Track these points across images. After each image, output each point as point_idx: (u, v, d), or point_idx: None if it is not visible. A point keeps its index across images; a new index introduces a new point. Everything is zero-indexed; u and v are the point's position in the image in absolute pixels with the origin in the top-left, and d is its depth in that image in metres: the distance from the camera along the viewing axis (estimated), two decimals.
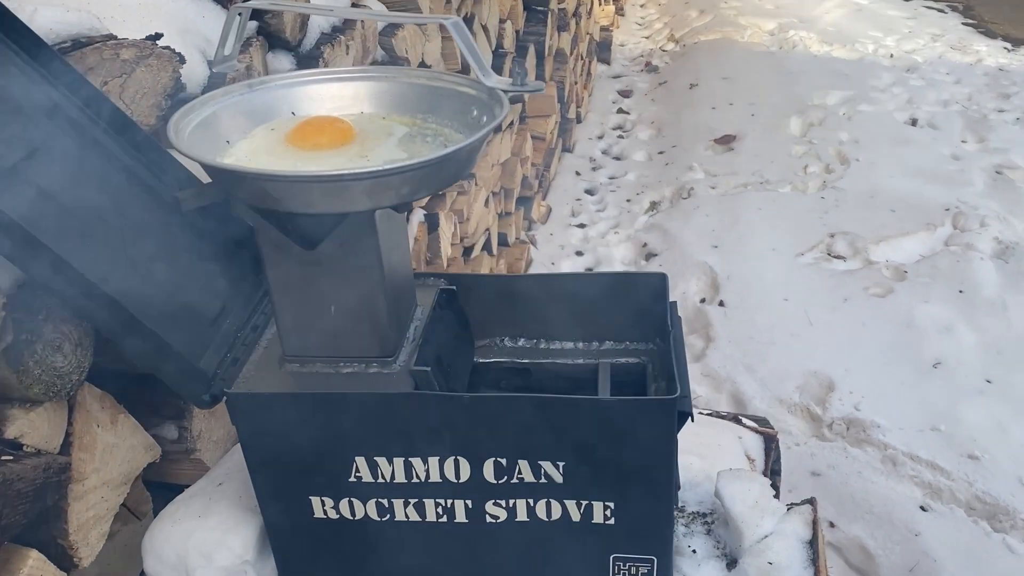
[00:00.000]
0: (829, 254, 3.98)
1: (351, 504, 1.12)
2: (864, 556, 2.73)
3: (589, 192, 4.72)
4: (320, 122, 1.04)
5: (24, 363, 1.06)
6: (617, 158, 5.07)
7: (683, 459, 1.37)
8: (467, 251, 3.15)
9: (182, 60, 1.27)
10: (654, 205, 4.48)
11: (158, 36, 1.25)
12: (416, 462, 1.08)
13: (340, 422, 1.06)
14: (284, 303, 1.06)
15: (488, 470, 1.07)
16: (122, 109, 1.24)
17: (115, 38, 1.22)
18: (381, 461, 1.08)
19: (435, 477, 1.08)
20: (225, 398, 1.05)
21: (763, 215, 4.21)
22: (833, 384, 3.26)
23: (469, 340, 1.24)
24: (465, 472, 1.08)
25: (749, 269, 3.86)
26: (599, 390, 1.19)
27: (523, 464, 1.07)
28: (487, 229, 3.48)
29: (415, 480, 1.09)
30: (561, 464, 1.06)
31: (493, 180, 3.43)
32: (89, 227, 1.04)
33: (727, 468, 1.48)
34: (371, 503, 1.12)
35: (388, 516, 1.12)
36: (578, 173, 4.89)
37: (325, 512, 1.13)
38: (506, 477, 1.08)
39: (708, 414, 1.84)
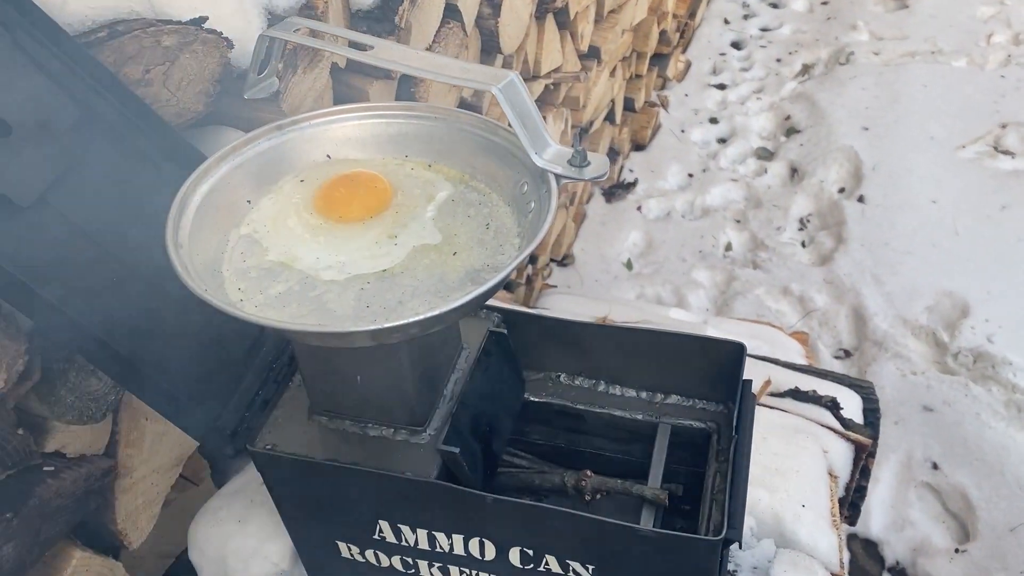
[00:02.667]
0: (996, 149, 3.53)
1: (376, 555, 1.09)
2: (964, 505, 2.59)
3: (736, 45, 4.30)
4: (352, 185, 0.91)
5: (56, 393, 1.05)
6: (774, 5, 4.55)
7: (750, 493, 1.27)
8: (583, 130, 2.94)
9: (230, 45, 1.14)
10: (806, 69, 4.05)
11: (203, 20, 1.11)
12: (440, 536, 1.03)
13: (363, 490, 1.01)
14: (309, 368, 0.98)
15: (514, 556, 1.01)
16: (167, 97, 1.14)
17: (155, 24, 1.09)
18: (405, 529, 1.04)
19: (459, 551, 1.03)
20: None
21: (927, 94, 3.74)
22: (968, 308, 2.98)
23: (518, 384, 1.14)
24: (490, 553, 1.02)
25: (899, 159, 3.48)
26: (652, 464, 1.08)
27: (551, 559, 1.00)
28: (611, 100, 3.24)
29: (439, 550, 1.04)
30: (591, 567, 0.98)
31: (622, 49, 3.14)
32: (102, 277, 0.98)
33: (800, 504, 1.38)
34: (396, 558, 1.08)
35: (413, 571, 1.09)
36: (727, 21, 4.43)
37: (352, 555, 1.11)
38: (533, 565, 1.01)
39: (800, 393, 1.71)
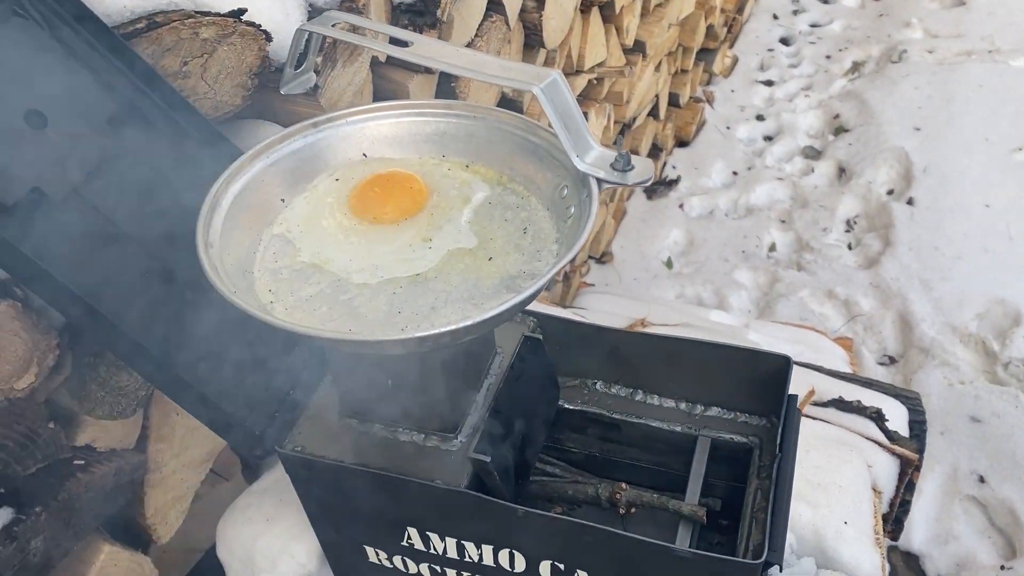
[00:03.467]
0: None
1: (404, 562, 1.07)
2: (1011, 520, 2.51)
3: (784, 41, 4.21)
4: (388, 185, 0.88)
5: (87, 387, 1.04)
6: (824, 0, 4.45)
7: (792, 507, 1.23)
8: (625, 126, 2.90)
9: (268, 38, 1.11)
10: (856, 67, 3.95)
11: (241, 12, 1.09)
12: (469, 546, 1.00)
13: (392, 496, 0.98)
14: (339, 371, 0.96)
15: (545, 569, 0.98)
16: (204, 90, 1.12)
17: (193, 15, 1.08)
18: (434, 536, 1.01)
19: (488, 562, 1.01)
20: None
21: (983, 94, 3.62)
22: (1021, 316, 2.88)
23: (552, 390, 1.11)
24: (520, 565, 0.99)
25: (952, 162, 3.38)
26: (690, 478, 1.05)
27: (582, 574, 0.97)
28: (655, 96, 3.19)
29: (468, 560, 1.02)
30: None
31: (668, 44, 3.08)
32: (133, 273, 0.97)
33: (843, 520, 1.33)
34: (424, 565, 1.06)
35: None
36: (775, 17, 4.34)
37: (379, 561, 1.09)
38: None
39: (845, 403, 1.65)
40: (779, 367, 1.02)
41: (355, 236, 0.86)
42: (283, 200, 0.90)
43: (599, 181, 0.81)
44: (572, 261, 2.85)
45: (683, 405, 1.12)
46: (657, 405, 1.13)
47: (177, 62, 1.10)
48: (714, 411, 1.11)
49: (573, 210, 0.83)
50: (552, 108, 0.80)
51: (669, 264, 3.17)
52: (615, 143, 0.79)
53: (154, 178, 1.04)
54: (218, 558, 1.26)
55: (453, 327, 0.70)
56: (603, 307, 2.21)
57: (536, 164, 0.90)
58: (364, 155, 0.94)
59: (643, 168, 0.81)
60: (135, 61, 1.01)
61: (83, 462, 1.10)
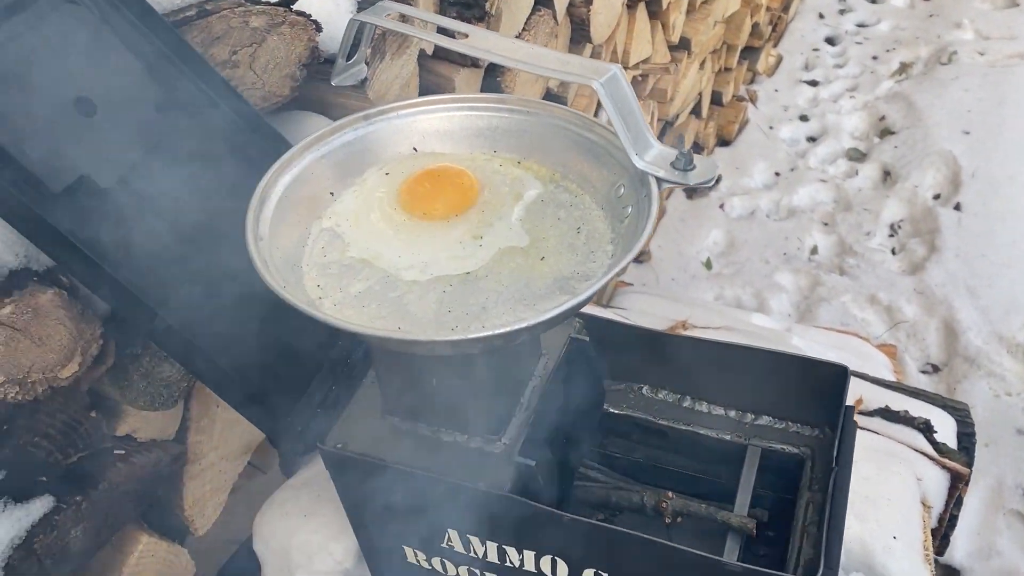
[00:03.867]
0: None
1: (443, 564, 1.05)
2: None
3: (830, 41, 4.14)
4: (438, 180, 0.86)
5: (129, 377, 1.03)
6: (872, 0, 4.37)
7: None
8: (668, 123, 2.86)
9: (318, 28, 1.10)
10: (904, 68, 3.87)
11: (292, 1, 1.08)
12: (511, 550, 0.98)
13: (433, 497, 0.97)
14: (384, 368, 0.95)
15: None
16: (253, 80, 1.11)
17: (244, 3, 1.06)
18: (474, 540, 0.99)
19: (530, 567, 0.99)
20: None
21: None
22: None
23: (598, 394, 1.09)
24: (562, 572, 0.97)
25: (1002, 166, 3.30)
26: (739, 488, 1.02)
27: None
28: (698, 93, 3.14)
29: (509, 565, 1.00)
30: None
31: (713, 41, 3.04)
32: (177, 263, 0.96)
33: (892, 535, 1.29)
34: (463, 568, 1.04)
35: None
36: (821, 16, 4.27)
37: (418, 561, 1.07)
38: None
39: (892, 413, 1.61)
40: (835, 377, 0.99)
41: (405, 232, 0.84)
42: (332, 193, 0.89)
43: (659, 180, 0.78)
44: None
45: (732, 413, 1.09)
46: (706, 412, 1.10)
47: (226, 51, 1.09)
48: (764, 420, 1.08)
49: (630, 210, 0.81)
50: (611, 103, 0.77)
51: (708, 265, 3.13)
52: (677, 143, 0.76)
53: (202, 167, 1.03)
54: (254, 551, 1.25)
55: (507, 329, 0.67)
56: (643, 307, 2.17)
57: (591, 161, 0.87)
58: (414, 149, 0.92)
59: (705, 168, 0.78)
60: (185, 49, 1.00)
61: (123, 452, 1.10)
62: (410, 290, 0.79)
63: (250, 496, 1.38)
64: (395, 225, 0.85)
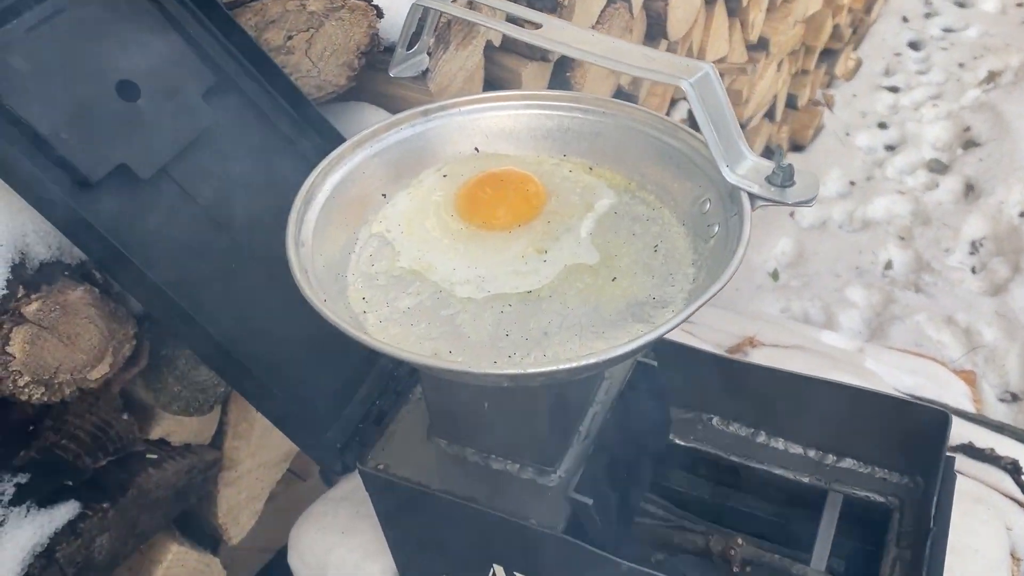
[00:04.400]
0: None
1: None
2: None
3: (913, 46, 3.95)
4: (501, 185, 0.78)
5: (163, 380, 0.97)
6: (960, 4, 4.16)
7: None
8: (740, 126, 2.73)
9: (379, 14, 1.03)
10: (992, 76, 3.67)
11: None
12: None
13: (479, 529, 0.89)
14: (432, 387, 0.87)
15: None
16: (308, 68, 1.04)
17: None
18: None
19: None
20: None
21: None
22: None
23: (664, 423, 1.00)
24: None
25: None
26: (818, 538, 0.92)
27: None
28: (774, 96, 3.01)
29: None
30: None
31: (792, 42, 2.90)
32: (217, 262, 0.89)
33: None
34: None
35: None
36: (905, 19, 4.08)
37: None
38: None
39: (975, 450, 1.48)
40: (935, 422, 0.88)
41: (461, 241, 0.76)
42: (384, 195, 0.81)
43: (752, 197, 0.69)
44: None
45: (812, 453, 0.99)
46: (782, 450, 1.00)
47: (281, 36, 1.02)
48: (848, 463, 0.98)
49: (717, 229, 0.71)
50: (701, 107, 0.68)
51: (775, 276, 3.00)
52: (776, 155, 0.67)
53: (248, 161, 0.97)
54: (288, 563, 1.19)
55: (573, 364, 0.59)
56: (707, 320, 2.07)
57: (673, 171, 0.78)
58: (476, 150, 0.84)
59: (806, 185, 0.69)
60: (236, 33, 0.93)
61: (156, 456, 1.04)
62: (464, 308, 0.71)
63: (288, 505, 1.32)
64: (451, 233, 0.77)
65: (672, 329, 0.62)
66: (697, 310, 0.64)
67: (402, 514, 0.95)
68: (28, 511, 0.91)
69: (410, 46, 0.85)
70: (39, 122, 0.80)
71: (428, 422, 0.92)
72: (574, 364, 0.59)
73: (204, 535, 1.17)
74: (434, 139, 0.83)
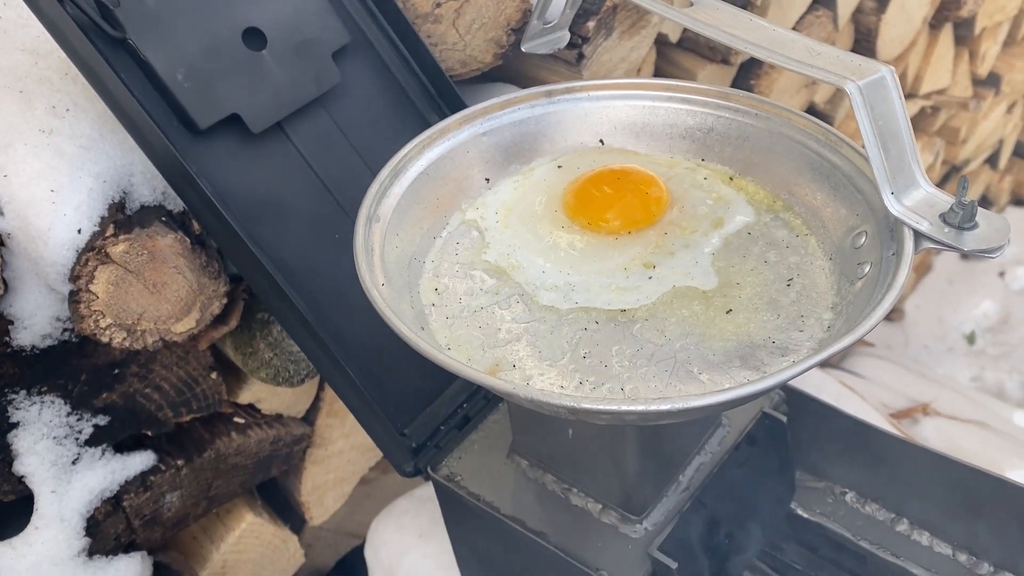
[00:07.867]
0: None
1: None
2: None
3: None
4: (619, 183, 0.67)
5: (254, 345, 0.93)
6: None
7: None
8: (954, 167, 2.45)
9: None
10: None
11: None
12: None
13: (546, 568, 0.78)
14: (516, 406, 0.77)
15: None
16: (454, 40, 0.97)
17: None
18: None
19: None
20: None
21: None
22: None
23: (786, 489, 0.85)
24: None
25: None
26: None
27: None
28: (999, 140, 2.69)
29: None
30: None
31: None
32: (318, 230, 0.84)
33: None
34: None
35: None
36: None
37: None
38: None
39: None
40: None
41: (560, 242, 0.66)
42: (487, 180, 0.72)
43: (918, 235, 0.55)
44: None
45: (963, 557, 0.82)
46: (925, 546, 0.83)
47: (429, 3, 0.95)
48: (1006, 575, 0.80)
49: (868, 269, 0.58)
50: (868, 117, 0.54)
51: (971, 339, 2.67)
52: (958, 190, 0.52)
53: (371, 131, 0.91)
54: (364, 555, 1.13)
55: (643, 408, 0.48)
56: (881, 377, 1.85)
57: (828, 192, 0.64)
58: (600, 142, 0.74)
59: (993, 231, 0.54)
60: None
61: (243, 422, 1.01)
62: (543, 318, 0.61)
63: (381, 492, 1.27)
64: (551, 231, 0.67)
65: (783, 382, 0.50)
66: (820, 362, 0.51)
67: (469, 530, 0.87)
68: (103, 454, 0.90)
69: (548, 19, 0.75)
70: (159, 62, 0.77)
71: (511, 438, 0.83)
72: (643, 408, 0.47)
73: (290, 511, 1.14)
74: (554, 125, 0.73)
